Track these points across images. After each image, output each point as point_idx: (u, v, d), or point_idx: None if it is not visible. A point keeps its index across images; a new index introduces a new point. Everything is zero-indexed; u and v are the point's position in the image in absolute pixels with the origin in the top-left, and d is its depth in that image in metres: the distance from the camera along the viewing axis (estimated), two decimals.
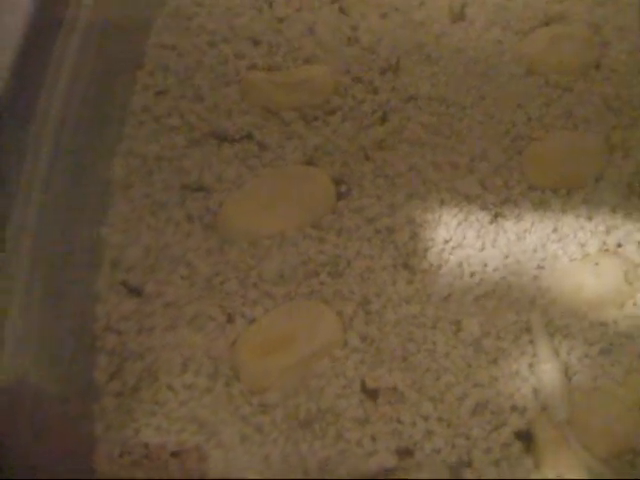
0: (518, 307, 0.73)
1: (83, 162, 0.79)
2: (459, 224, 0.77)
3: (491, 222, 0.77)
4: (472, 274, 0.75)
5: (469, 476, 0.66)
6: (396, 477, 0.67)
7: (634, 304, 0.73)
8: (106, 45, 0.84)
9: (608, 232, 0.76)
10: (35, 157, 0.75)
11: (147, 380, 0.70)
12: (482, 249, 0.76)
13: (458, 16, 0.90)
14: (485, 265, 0.75)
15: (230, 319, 0.73)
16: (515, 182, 0.79)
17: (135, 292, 0.74)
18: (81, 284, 0.75)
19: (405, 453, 0.68)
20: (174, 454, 0.68)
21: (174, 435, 0.68)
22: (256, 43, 0.89)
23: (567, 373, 0.70)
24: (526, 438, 0.68)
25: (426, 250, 0.76)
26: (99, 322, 0.73)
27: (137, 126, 0.83)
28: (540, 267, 0.75)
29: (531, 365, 0.70)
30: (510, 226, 0.77)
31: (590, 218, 0.77)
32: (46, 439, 0.68)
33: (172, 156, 0.81)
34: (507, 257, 0.75)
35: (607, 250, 0.75)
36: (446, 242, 0.76)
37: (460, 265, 0.75)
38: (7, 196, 0.72)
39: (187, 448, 0.68)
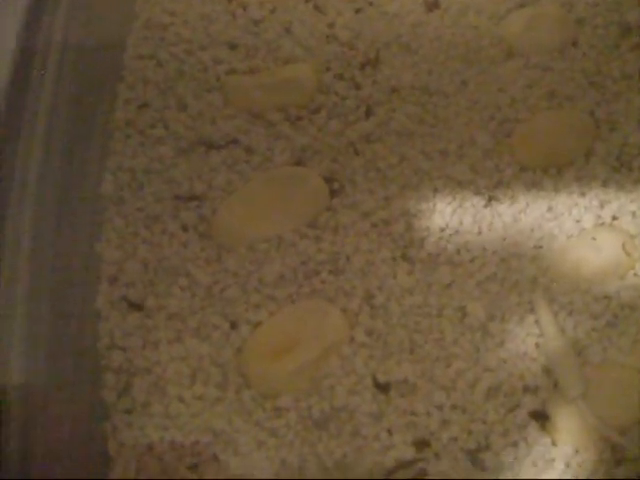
0: (520, 288, 0.73)
1: (72, 180, 0.79)
2: (454, 211, 0.77)
3: (486, 206, 0.77)
4: (472, 259, 0.75)
5: (488, 460, 0.67)
6: (416, 468, 0.67)
7: (635, 274, 0.73)
8: (84, 62, 0.84)
9: (602, 206, 0.76)
10: (23, 177, 0.75)
11: (156, 394, 0.70)
12: (479, 234, 0.76)
13: (432, 4, 0.90)
14: (484, 249, 0.75)
15: (234, 326, 0.73)
16: (506, 165, 0.79)
17: (136, 307, 0.74)
18: (81, 302, 0.74)
19: (422, 444, 0.68)
20: (191, 467, 0.67)
21: (189, 448, 0.67)
22: (234, 47, 0.88)
23: (575, 348, 0.70)
24: (541, 417, 0.68)
25: (423, 240, 0.76)
26: (102, 340, 0.72)
27: (123, 140, 0.82)
28: (538, 247, 0.75)
29: (538, 345, 0.71)
30: (505, 209, 0.77)
31: (583, 194, 0.77)
32: (60, 461, 0.68)
33: (161, 168, 0.80)
34: (505, 240, 0.75)
35: (603, 224, 0.76)
36: (443, 230, 0.76)
37: (459, 252, 0.75)
38: None
39: (204, 459, 0.67)
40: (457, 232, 0.76)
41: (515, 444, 0.67)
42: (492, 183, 0.78)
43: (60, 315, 0.73)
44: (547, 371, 0.70)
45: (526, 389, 0.69)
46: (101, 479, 0.67)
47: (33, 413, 0.68)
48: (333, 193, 0.79)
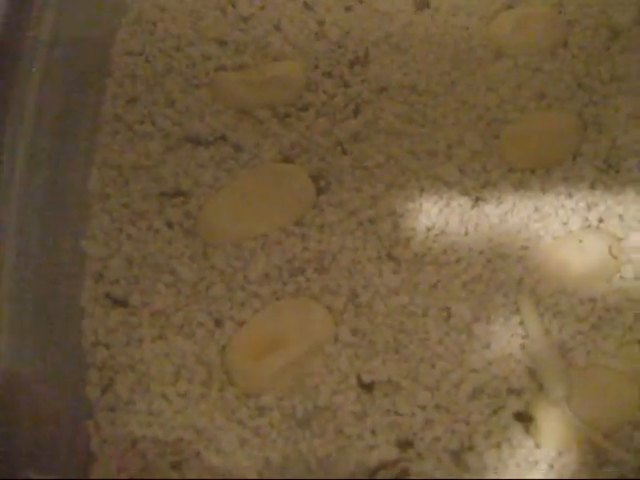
0: (506, 289, 0.73)
1: (59, 175, 0.79)
2: (441, 211, 0.77)
3: (472, 207, 0.77)
4: (458, 260, 0.75)
5: (472, 461, 0.66)
6: (398, 468, 0.67)
7: (621, 277, 0.73)
8: (72, 56, 0.83)
9: (589, 208, 0.76)
10: (10, 171, 0.74)
11: (140, 392, 0.69)
12: (465, 234, 0.76)
13: (423, 4, 0.90)
14: (470, 250, 0.75)
15: (219, 323, 0.72)
16: (493, 165, 0.79)
17: (120, 304, 0.73)
18: (66, 299, 0.74)
19: (406, 444, 0.68)
20: (174, 464, 0.67)
21: (172, 445, 0.67)
22: (223, 44, 0.88)
23: (560, 351, 0.70)
24: (525, 419, 0.68)
25: (409, 239, 0.76)
26: (87, 337, 0.72)
27: (111, 135, 0.82)
28: (524, 248, 0.75)
29: (523, 346, 0.71)
30: (491, 209, 0.77)
31: (570, 195, 0.77)
32: (43, 457, 0.68)
33: (148, 164, 0.80)
34: (491, 240, 0.75)
35: (589, 226, 0.75)
36: (429, 230, 0.76)
37: (445, 252, 0.75)
38: None
39: (187, 457, 0.67)
40: (443, 232, 0.76)
41: (499, 445, 0.67)
42: (479, 184, 0.78)
43: (45, 311, 0.73)
44: (532, 373, 0.69)
45: (510, 390, 0.69)
46: (83, 479, 0.67)
47: (17, 409, 0.68)
48: (320, 191, 0.78)
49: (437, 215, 0.76)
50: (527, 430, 0.68)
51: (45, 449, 0.68)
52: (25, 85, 0.80)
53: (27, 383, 0.70)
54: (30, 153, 0.77)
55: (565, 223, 0.76)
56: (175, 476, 0.66)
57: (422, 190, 0.78)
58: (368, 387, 0.69)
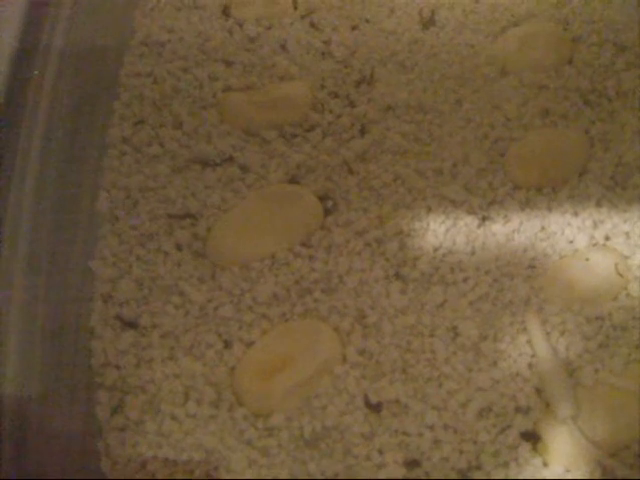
0: (513, 308, 0.73)
1: (67, 197, 0.80)
2: (447, 230, 0.77)
3: (479, 226, 0.77)
4: (465, 279, 0.75)
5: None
6: None
7: (627, 295, 0.73)
8: (80, 78, 0.84)
9: (595, 226, 0.76)
10: (19, 192, 0.75)
11: (150, 412, 0.70)
12: (472, 253, 0.76)
13: (428, 22, 0.91)
14: (477, 269, 0.75)
15: (228, 344, 0.73)
16: (499, 184, 0.80)
17: (130, 325, 0.74)
18: (76, 320, 0.75)
19: (413, 464, 0.68)
20: None
21: (182, 466, 0.68)
22: (230, 64, 0.89)
23: (567, 369, 0.70)
24: (533, 438, 0.68)
25: (417, 259, 0.76)
26: (97, 358, 0.73)
27: (118, 157, 0.83)
28: (531, 267, 0.75)
29: (531, 365, 0.71)
30: (498, 228, 0.77)
31: (576, 214, 0.77)
32: (53, 478, 0.68)
33: (156, 186, 0.81)
34: (498, 259, 0.76)
35: (596, 244, 0.76)
36: (436, 250, 0.76)
37: (452, 271, 0.75)
38: None
39: (196, 478, 0.67)
40: (450, 252, 0.76)
41: (506, 464, 0.67)
42: (486, 202, 0.79)
43: (54, 332, 0.74)
44: (539, 391, 0.69)
45: (518, 409, 0.69)
46: None
47: (27, 430, 0.69)
48: (327, 212, 0.79)
49: (444, 234, 0.77)
50: (534, 449, 0.68)
51: (55, 469, 0.69)
52: (34, 106, 0.80)
53: (37, 403, 0.70)
54: (39, 175, 0.78)
55: (571, 241, 0.76)
56: None
57: (429, 210, 0.78)
58: (376, 407, 0.69)
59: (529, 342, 0.71)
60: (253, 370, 0.70)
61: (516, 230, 0.77)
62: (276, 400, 0.69)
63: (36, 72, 0.82)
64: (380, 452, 0.68)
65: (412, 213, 0.78)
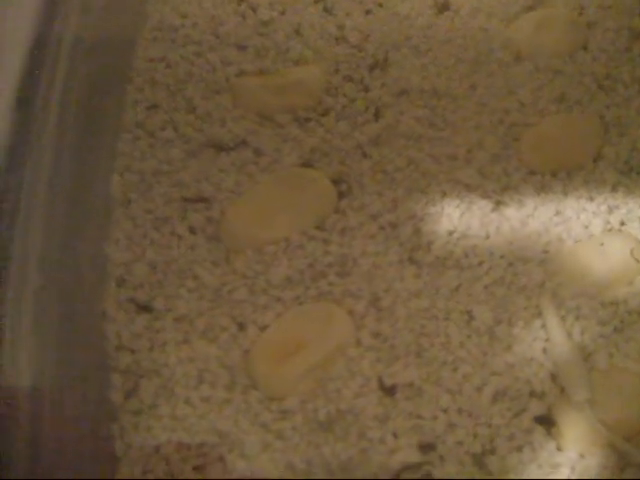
0: (528, 292, 0.73)
1: (81, 181, 0.79)
2: (462, 215, 0.77)
3: (493, 210, 0.77)
4: (479, 263, 0.75)
5: (493, 464, 0.66)
6: (421, 471, 0.67)
7: None
8: (93, 63, 0.84)
9: (610, 211, 0.76)
10: (33, 178, 0.75)
11: (164, 396, 0.70)
12: (487, 238, 0.76)
13: (443, 6, 0.90)
14: (491, 253, 0.75)
15: (242, 327, 0.73)
16: (514, 169, 0.79)
17: (144, 309, 0.74)
18: (89, 303, 0.75)
19: (428, 447, 0.67)
20: (197, 468, 0.68)
21: (196, 449, 0.68)
22: (243, 49, 0.89)
23: (582, 354, 0.70)
24: (547, 422, 0.68)
25: (431, 243, 0.76)
26: (110, 341, 0.73)
27: (132, 142, 0.82)
28: (546, 251, 0.75)
29: (545, 349, 0.70)
30: (513, 213, 0.77)
31: (591, 199, 0.77)
32: (67, 461, 0.68)
33: (170, 169, 0.81)
34: (512, 244, 0.75)
35: (611, 229, 0.76)
36: (450, 234, 0.76)
37: (466, 255, 0.75)
38: (9, 216, 0.72)
39: (210, 461, 0.67)
40: (465, 236, 0.76)
41: (520, 448, 0.67)
42: (500, 187, 0.78)
43: (68, 316, 0.74)
44: (553, 376, 0.69)
45: (532, 394, 0.69)
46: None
47: (41, 414, 0.69)
48: (341, 195, 0.79)
49: (458, 219, 0.77)
50: (549, 433, 0.68)
51: (69, 454, 0.69)
52: (47, 91, 0.80)
53: (51, 387, 0.70)
54: (53, 160, 0.78)
55: (586, 226, 0.76)
56: (199, 478, 0.67)
57: (443, 194, 0.78)
58: (390, 390, 0.69)
59: (544, 326, 0.71)
60: (267, 353, 0.70)
61: (531, 215, 0.76)
62: (290, 383, 0.69)
63: (49, 58, 0.82)
64: (394, 435, 0.68)
65: (426, 197, 0.78)
